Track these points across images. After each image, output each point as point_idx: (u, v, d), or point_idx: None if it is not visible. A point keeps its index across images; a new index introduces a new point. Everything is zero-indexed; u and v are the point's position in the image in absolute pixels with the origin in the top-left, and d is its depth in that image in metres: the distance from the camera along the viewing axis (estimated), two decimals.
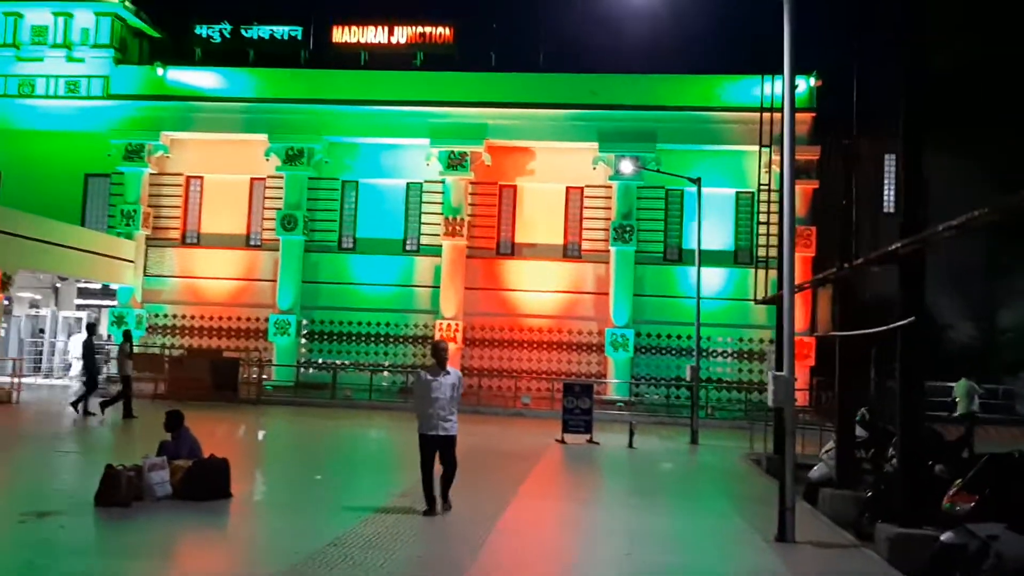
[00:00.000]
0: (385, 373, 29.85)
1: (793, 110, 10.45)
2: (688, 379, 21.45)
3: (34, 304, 32.14)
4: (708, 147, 29.15)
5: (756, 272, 18.72)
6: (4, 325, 29.50)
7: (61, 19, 31.27)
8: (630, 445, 18.71)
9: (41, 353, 31.50)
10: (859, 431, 13.97)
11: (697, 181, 21.37)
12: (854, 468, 12.83)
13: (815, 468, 14.05)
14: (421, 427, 10.14)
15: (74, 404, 19.88)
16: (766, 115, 25.42)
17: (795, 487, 10.35)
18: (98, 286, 31.80)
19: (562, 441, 18.93)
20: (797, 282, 18.62)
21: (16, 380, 23.45)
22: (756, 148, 28.60)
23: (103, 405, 19.81)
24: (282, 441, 19.38)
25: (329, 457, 16.61)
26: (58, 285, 31.78)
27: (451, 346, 11.00)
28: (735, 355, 29.29)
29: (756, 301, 19.51)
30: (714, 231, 28.14)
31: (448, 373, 10.22)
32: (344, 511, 10.54)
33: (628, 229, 28.84)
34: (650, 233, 29.61)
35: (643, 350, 29.30)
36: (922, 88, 9.62)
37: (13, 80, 31.11)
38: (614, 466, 16.66)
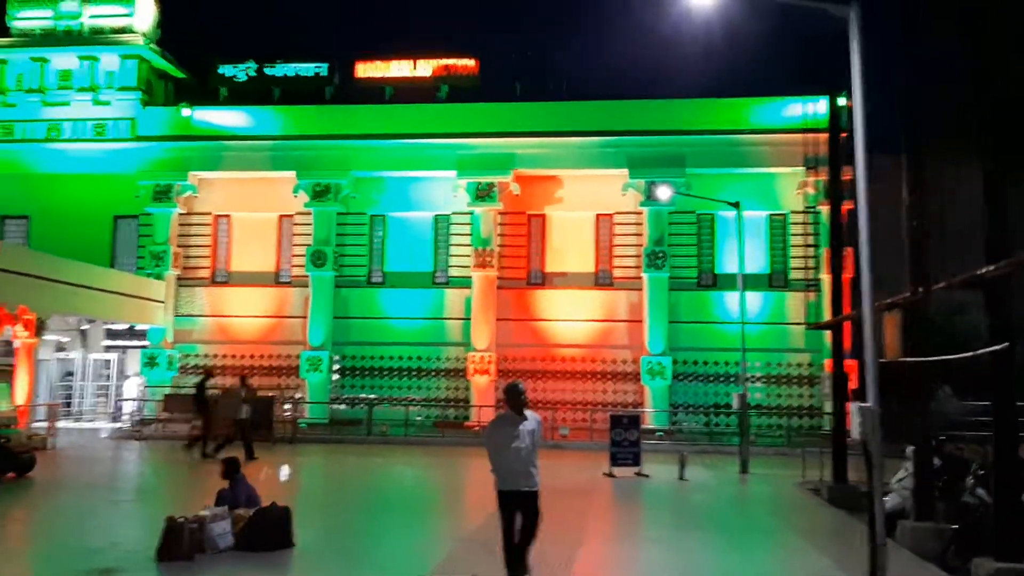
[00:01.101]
0: (419, 408, 29.50)
1: (866, 128, 10.14)
2: (736, 407, 20.97)
3: (61, 347, 32.01)
4: (738, 170, 28.85)
5: (807, 295, 18.26)
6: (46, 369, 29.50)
7: (87, 63, 31.38)
8: (681, 477, 18.30)
9: (71, 397, 31.28)
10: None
11: (736, 205, 21.04)
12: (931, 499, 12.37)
13: (887, 498, 13.59)
14: (499, 483, 8.81)
15: (205, 454, 20.34)
16: (801, 136, 25.26)
17: (884, 524, 9.90)
18: (125, 327, 31.67)
19: (611, 474, 18.51)
20: (837, 305, 18.26)
21: (51, 425, 23.25)
22: (788, 170, 28.59)
23: (218, 449, 20.20)
24: (328, 482, 19.00)
25: (381, 498, 16.23)
26: (85, 327, 31.66)
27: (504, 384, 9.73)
28: (774, 380, 28.74)
29: (809, 326, 19.07)
30: (747, 255, 27.77)
31: (526, 419, 8.87)
32: (413, 560, 10.17)
33: (661, 255, 28.51)
34: (683, 259, 29.27)
35: (680, 377, 28.84)
36: (1006, 110, 9.32)
37: (41, 125, 31.16)
38: (671, 500, 16.21)
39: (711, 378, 28.89)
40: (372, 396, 29.40)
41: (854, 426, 9.98)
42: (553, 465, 20.69)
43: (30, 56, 31.51)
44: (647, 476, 18.46)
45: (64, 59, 31.54)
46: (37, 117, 31.23)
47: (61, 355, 31.85)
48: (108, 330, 31.96)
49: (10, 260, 23.07)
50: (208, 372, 23.54)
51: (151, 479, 18.81)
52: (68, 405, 30.68)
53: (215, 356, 30.77)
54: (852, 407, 10.03)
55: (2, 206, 32.10)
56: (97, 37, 31.62)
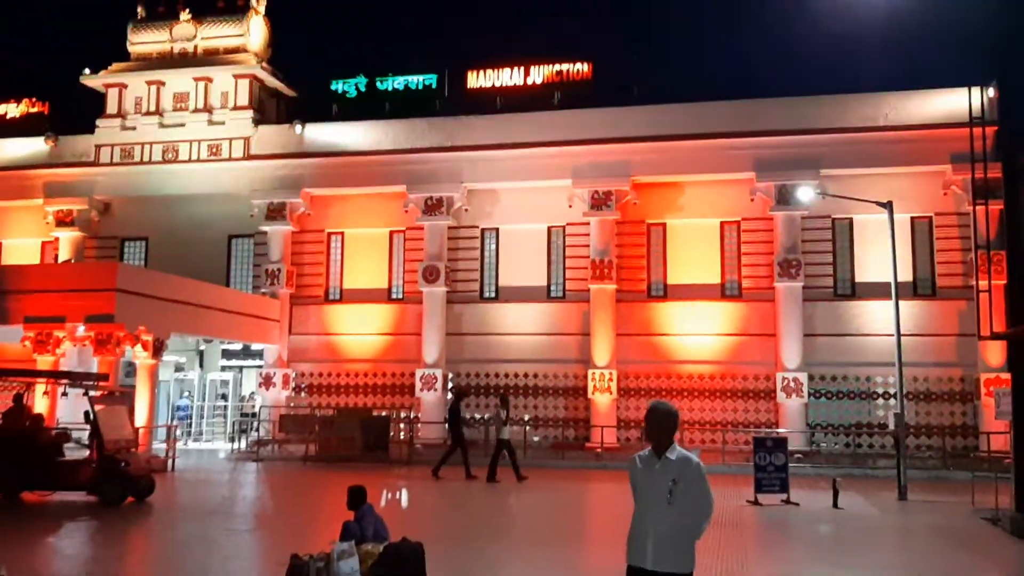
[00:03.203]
0: (537, 429, 28.34)
1: None
2: (892, 426, 19.02)
3: (179, 368, 32.16)
4: (876, 170, 26.68)
5: (978, 303, 16.29)
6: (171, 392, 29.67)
7: (201, 84, 31.58)
8: (835, 505, 16.57)
9: (189, 417, 31.32)
10: None
11: (888, 205, 19.15)
12: None
13: None
14: (627, 551, 5.75)
15: (436, 470, 21.09)
16: (948, 131, 23.17)
17: None
18: (239, 346, 31.61)
19: (755, 502, 16.91)
20: (1016, 312, 16.25)
21: (170, 447, 23.01)
22: (930, 168, 26.44)
23: (518, 475, 20.57)
24: (451, 509, 17.88)
25: (511, 527, 15.09)
26: (202, 348, 31.74)
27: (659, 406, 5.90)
28: (922, 397, 26.35)
29: (981, 337, 17.01)
30: (888, 261, 25.67)
31: (670, 460, 5.71)
32: None
33: (794, 264, 26.61)
34: (818, 267, 27.28)
35: (817, 395, 26.82)
36: None
37: (158, 147, 31.49)
38: (834, 532, 14.50)
39: (851, 395, 26.76)
40: (488, 416, 28.36)
41: None
42: None
43: (146, 79, 31.94)
44: (796, 504, 16.80)
45: (179, 81, 31.82)
46: (154, 139, 31.57)
47: (179, 375, 32.02)
48: (223, 350, 31.99)
49: (130, 281, 23.03)
50: (461, 392, 23.86)
51: (269, 505, 18.14)
52: (187, 425, 30.72)
53: (329, 375, 30.36)
54: None
55: (122, 228, 32.61)
56: (211, 58, 31.86)
